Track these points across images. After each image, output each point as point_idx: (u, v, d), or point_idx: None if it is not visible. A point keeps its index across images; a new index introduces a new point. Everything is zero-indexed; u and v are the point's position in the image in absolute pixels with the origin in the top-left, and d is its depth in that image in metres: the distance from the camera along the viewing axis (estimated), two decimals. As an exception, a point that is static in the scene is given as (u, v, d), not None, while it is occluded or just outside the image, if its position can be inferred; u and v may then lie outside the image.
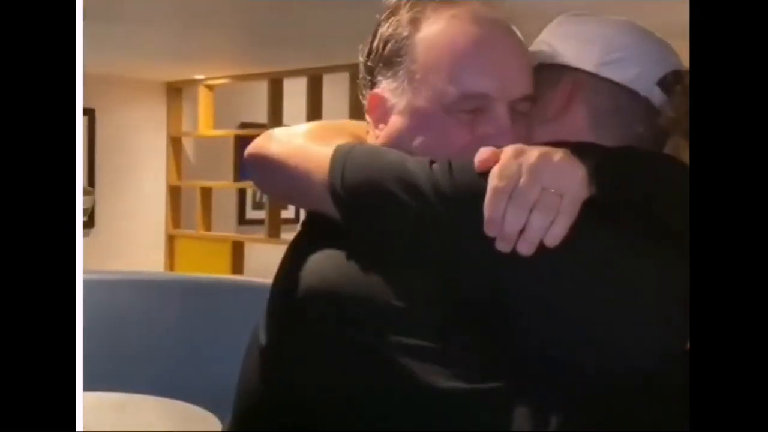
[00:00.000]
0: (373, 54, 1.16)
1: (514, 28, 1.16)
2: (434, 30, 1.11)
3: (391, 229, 1.01)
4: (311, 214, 1.16)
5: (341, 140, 1.11)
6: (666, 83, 1.16)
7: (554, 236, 0.94)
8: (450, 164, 1.00)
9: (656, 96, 1.16)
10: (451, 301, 0.99)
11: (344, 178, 1.03)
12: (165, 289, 3.12)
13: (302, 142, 1.14)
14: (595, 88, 1.17)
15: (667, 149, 1.21)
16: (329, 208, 1.05)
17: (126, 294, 3.03)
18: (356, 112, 6.28)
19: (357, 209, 1.03)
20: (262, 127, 7.01)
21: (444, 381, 0.97)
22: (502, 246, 0.95)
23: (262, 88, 7.11)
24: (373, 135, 1.18)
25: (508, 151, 0.98)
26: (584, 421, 0.97)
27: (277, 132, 1.21)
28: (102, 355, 2.11)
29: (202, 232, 7.51)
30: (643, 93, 1.16)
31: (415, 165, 1.01)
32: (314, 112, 6.61)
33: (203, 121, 7.55)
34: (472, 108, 1.09)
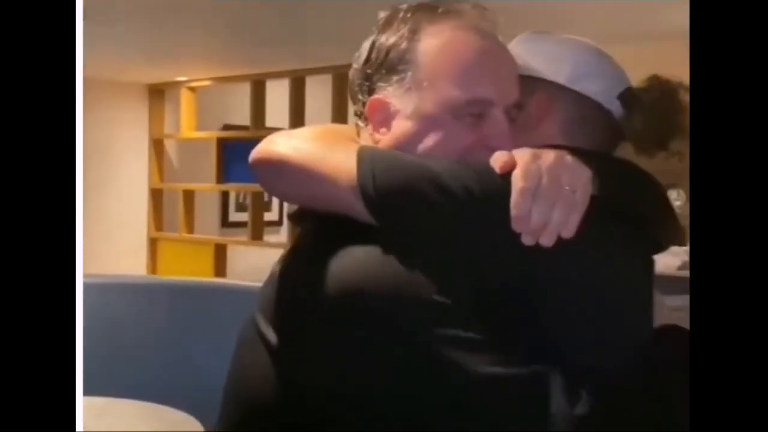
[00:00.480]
0: (373, 61, 1.23)
1: (502, 40, 1.25)
2: (439, 40, 1.19)
3: (424, 227, 1.09)
4: (320, 216, 1.20)
5: (349, 144, 1.19)
6: (624, 98, 1.28)
7: (570, 228, 1.05)
8: (474, 167, 1.09)
9: (616, 108, 1.29)
10: (477, 293, 1.07)
11: (375, 180, 1.10)
12: (149, 292, 3.10)
13: (315, 146, 1.20)
14: (567, 99, 1.29)
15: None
16: (356, 210, 1.12)
17: (110, 298, 3.02)
18: (339, 113, 6.29)
19: (389, 210, 1.10)
20: (245, 128, 7.01)
21: (474, 366, 1.04)
22: (528, 240, 1.05)
23: (245, 89, 7.10)
24: (372, 138, 1.24)
25: (526, 154, 1.08)
26: (606, 403, 1.06)
27: (283, 137, 1.26)
28: (89, 359, 2.10)
29: (185, 235, 7.48)
30: (606, 105, 1.29)
31: (441, 167, 1.09)
32: (297, 113, 6.60)
33: (185, 123, 7.53)
34: (476, 112, 1.17)
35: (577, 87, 1.28)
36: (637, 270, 1.18)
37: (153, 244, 7.76)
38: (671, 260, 6.17)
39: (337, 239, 1.13)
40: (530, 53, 1.30)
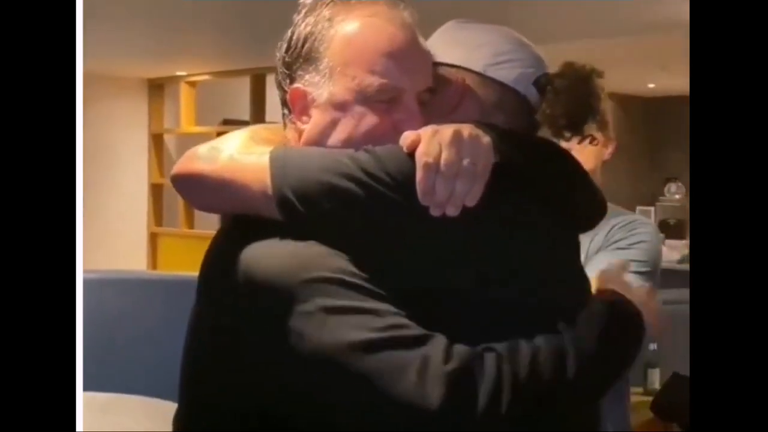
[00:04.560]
0: (293, 50, 1.27)
1: (415, 29, 1.30)
2: (354, 28, 1.24)
3: (341, 218, 1.15)
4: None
5: (263, 148, 1.23)
6: (539, 84, 1.33)
7: (473, 197, 1.12)
8: (378, 153, 1.15)
9: (532, 94, 1.33)
10: (392, 268, 1.13)
11: (288, 182, 1.15)
12: (150, 288, 3.10)
13: (229, 156, 1.25)
14: (483, 86, 1.33)
15: None
16: (269, 212, 1.16)
17: (108, 293, 3.02)
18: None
19: (305, 209, 1.15)
20: (245, 123, 7.01)
21: (349, 334, 1.08)
22: (436, 212, 1.13)
23: (245, 84, 7.10)
24: (294, 128, 1.29)
25: (427, 131, 1.14)
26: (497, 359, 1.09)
27: (199, 151, 1.30)
28: (89, 356, 2.10)
29: (185, 230, 7.49)
30: (522, 92, 1.33)
31: (349, 158, 1.15)
32: (297, 108, 6.58)
33: (185, 117, 7.53)
34: (387, 98, 1.23)
35: (492, 74, 1.32)
36: (543, 238, 1.23)
37: (153, 239, 7.77)
38: (670, 254, 6.18)
39: (242, 232, 1.18)
40: (451, 41, 1.36)
